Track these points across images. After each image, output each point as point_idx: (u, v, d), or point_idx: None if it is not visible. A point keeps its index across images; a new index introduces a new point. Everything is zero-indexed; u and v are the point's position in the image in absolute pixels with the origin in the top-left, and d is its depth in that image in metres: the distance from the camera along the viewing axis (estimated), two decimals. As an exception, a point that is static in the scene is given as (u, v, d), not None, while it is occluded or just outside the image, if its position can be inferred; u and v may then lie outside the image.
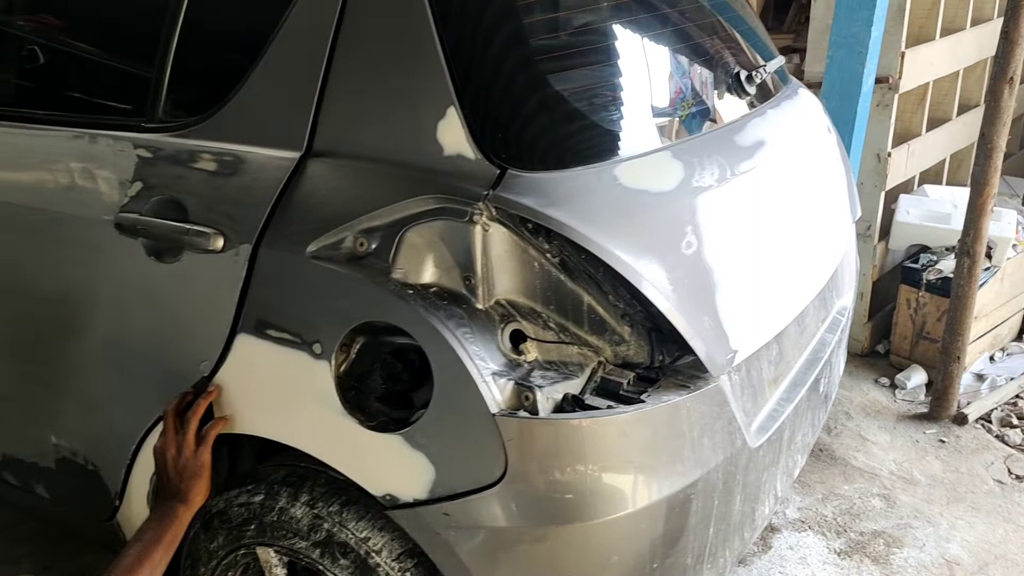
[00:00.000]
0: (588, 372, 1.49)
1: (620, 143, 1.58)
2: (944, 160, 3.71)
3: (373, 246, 1.45)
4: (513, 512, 1.40)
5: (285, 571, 1.68)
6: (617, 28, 1.66)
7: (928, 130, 3.52)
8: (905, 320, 3.34)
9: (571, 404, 1.44)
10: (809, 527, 2.57)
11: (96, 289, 1.69)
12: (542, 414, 1.39)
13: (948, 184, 3.78)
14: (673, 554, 1.52)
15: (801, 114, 2.10)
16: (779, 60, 2.10)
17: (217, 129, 1.59)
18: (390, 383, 1.48)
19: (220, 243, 1.53)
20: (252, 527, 1.64)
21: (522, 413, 1.39)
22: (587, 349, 1.49)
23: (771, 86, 2.08)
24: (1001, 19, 2.68)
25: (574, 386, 1.46)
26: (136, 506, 1.80)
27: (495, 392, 1.39)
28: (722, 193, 1.63)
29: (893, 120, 3.18)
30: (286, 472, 1.65)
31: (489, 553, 1.43)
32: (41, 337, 1.79)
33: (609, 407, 1.43)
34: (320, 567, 1.59)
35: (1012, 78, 2.72)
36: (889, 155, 3.22)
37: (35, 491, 2.01)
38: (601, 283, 1.47)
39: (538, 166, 1.45)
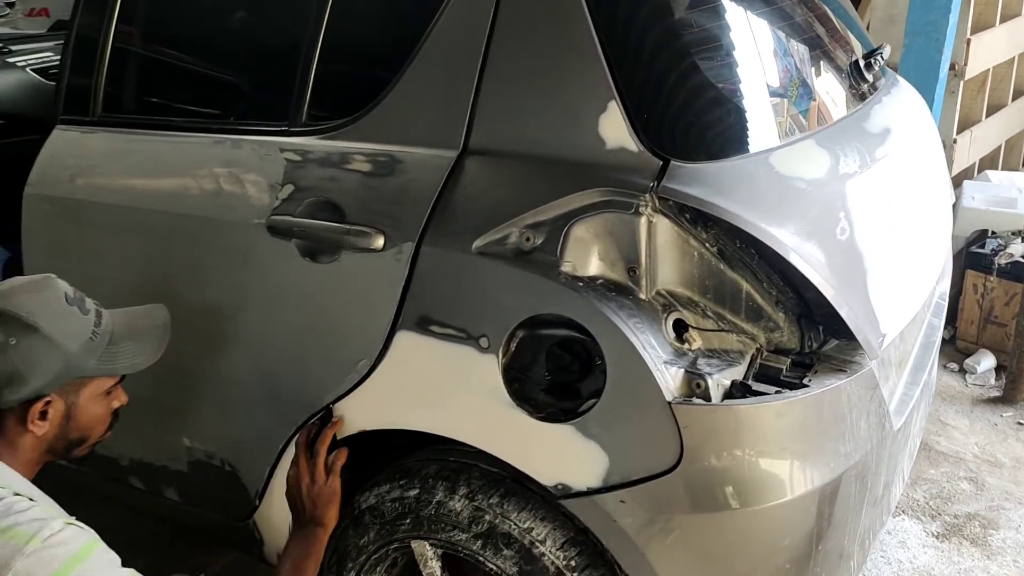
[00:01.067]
0: (748, 359, 1.51)
1: (772, 132, 1.60)
2: (1000, 146, 3.74)
3: (539, 240, 1.47)
4: (689, 497, 1.43)
5: (439, 563, 1.71)
6: (764, 23, 1.68)
7: (987, 116, 3.55)
8: (972, 305, 3.37)
9: (739, 390, 1.46)
10: (903, 512, 2.60)
11: (245, 292, 1.71)
12: (715, 400, 1.42)
13: (1003, 169, 3.81)
14: (835, 536, 1.55)
15: (908, 102, 2.13)
16: (887, 48, 2.13)
17: (369, 130, 1.61)
18: (556, 374, 1.51)
19: (381, 242, 1.55)
20: (407, 521, 1.66)
21: (696, 400, 1.41)
22: (744, 336, 1.52)
23: (881, 74, 2.11)
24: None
25: (738, 372, 1.48)
26: (277, 505, 1.82)
27: (668, 380, 1.41)
28: (864, 179, 1.66)
29: (958, 107, 3.21)
30: (438, 466, 1.67)
31: (665, 538, 1.45)
32: (182, 343, 1.80)
33: (777, 392, 1.46)
34: (480, 558, 1.61)
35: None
36: (955, 141, 3.26)
37: (164, 494, 2.03)
38: (756, 271, 1.50)
39: (700, 156, 1.48)
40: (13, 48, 3.09)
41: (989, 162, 3.79)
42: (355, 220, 1.59)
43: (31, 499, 1.37)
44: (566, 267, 1.46)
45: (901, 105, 2.04)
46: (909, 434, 1.88)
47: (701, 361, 1.47)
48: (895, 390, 1.81)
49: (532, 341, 1.49)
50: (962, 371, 3.32)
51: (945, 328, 3.50)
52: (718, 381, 1.44)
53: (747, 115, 1.58)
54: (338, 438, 1.69)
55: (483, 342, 1.49)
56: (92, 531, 1.36)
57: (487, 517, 1.59)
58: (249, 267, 1.70)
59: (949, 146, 3.24)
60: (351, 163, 1.62)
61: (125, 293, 1.73)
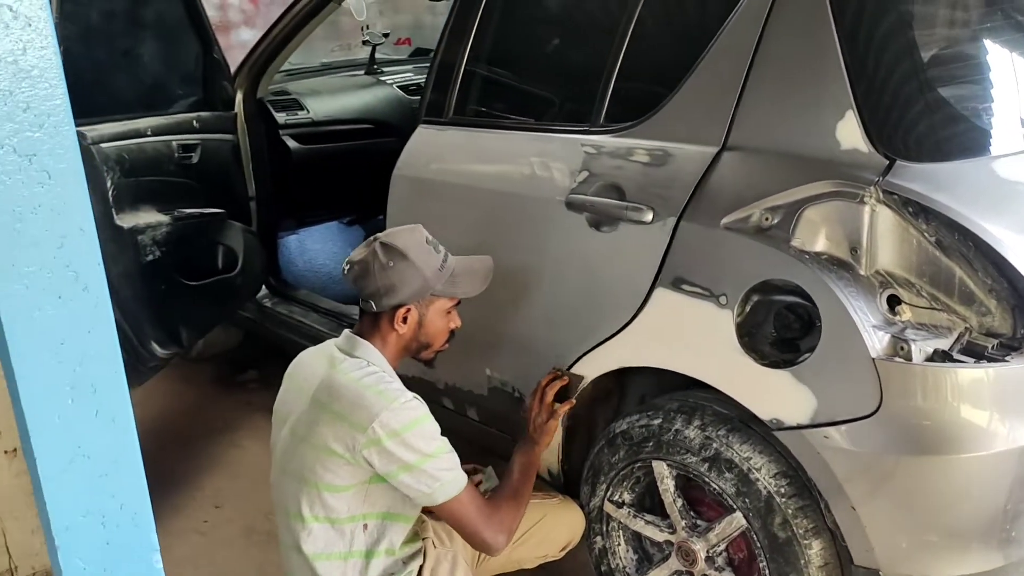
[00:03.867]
0: (956, 335, 1.75)
1: (994, 141, 1.83)
2: None
3: (776, 220, 1.82)
4: (884, 440, 1.70)
5: (673, 483, 2.10)
6: (987, 42, 1.92)
7: None
8: None
9: (940, 357, 1.71)
10: None
11: (546, 253, 2.23)
12: (916, 361, 1.69)
13: None
14: (1020, 502, 1.73)
15: None
16: None
17: (650, 130, 2.06)
18: (781, 331, 1.85)
19: (650, 216, 1.99)
20: (650, 444, 2.07)
21: (898, 359, 1.69)
22: (955, 316, 1.76)
23: None
24: None
25: (943, 344, 1.73)
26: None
27: (875, 341, 1.71)
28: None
29: None
30: (679, 403, 2.07)
31: (860, 472, 1.74)
32: (495, 290, 2.35)
33: (976, 362, 1.69)
34: (706, 480, 1.98)
35: None
36: None
37: (467, 414, 2.60)
38: (972, 260, 1.73)
39: (923, 158, 1.76)
40: (385, 69, 3.93)
41: None
42: (633, 199, 2.04)
43: (392, 377, 1.96)
44: (796, 243, 1.80)
45: None
46: None
47: (909, 331, 1.74)
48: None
49: (762, 301, 1.85)
50: None
51: None
52: (921, 347, 1.70)
53: (969, 125, 1.83)
54: (576, 392, 2.16)
55: (722, 300, 1.87)
56: (427, 405, 1.93)
57: (715, 445, 1.95)
58: (550, 233, 2.21)
59: None
60: (634, 155, 2.08)
61: (461, 247, 2.30)
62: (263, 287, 3.40)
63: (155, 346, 2.72)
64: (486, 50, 2.47)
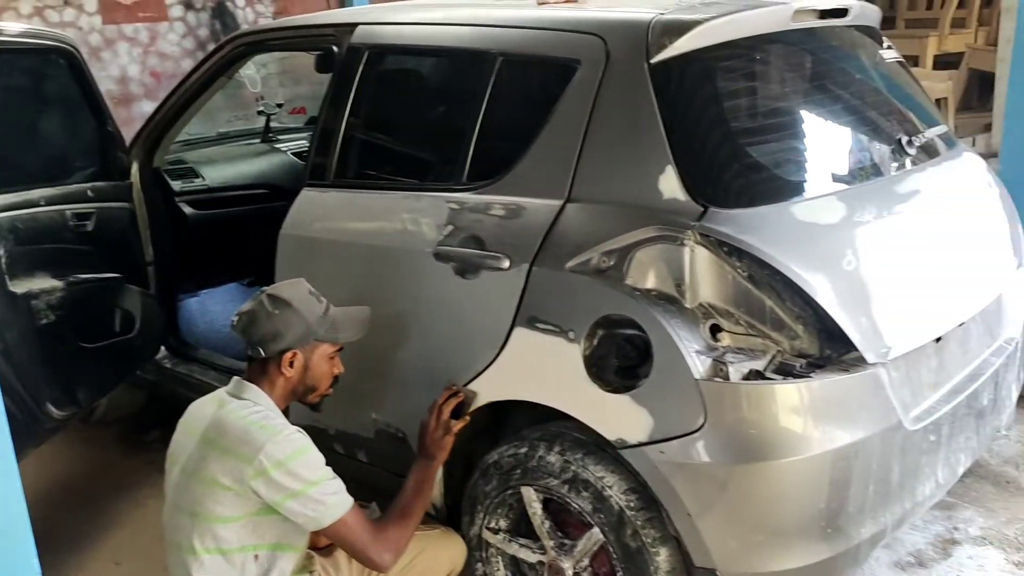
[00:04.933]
0: (769, 356, 2.01)
1: (794, 188, 2.13)
2: None
3: (612, 262, 2.07)
4: (710, 451, 1.94)
5: (541, 506, 2.29)
6: (792, 104, 2.23)
7: None
8: (1102, 371, 3.50)
9: (755, 376, 1.97)
10: (990, 543, 2.84)
11: (418, 300, 2.43)
12: (733, 380, 1.94)
13: None
14: (837, 499, 1.98)
15: (960, 171, 2.54)
16: (939, 128, 2.56)
17: (504, 188, 2.30)
18: (622, 360, 2.08)
19: (507, 264, 2.21)
20: (518, 471, 2.27)
21: (717, 379, 1.94)
22: (769, 341, 2.02)
23: (937, 148, 2.54)
24: None
25: (759, 364, 1.99)
26: (432, 462, 2.47)
27: (698, 364, 1.95)
28: (877, 227, 2.13)
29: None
30: (541, 432, 2.27)
31: (692, 481, 1.97)
32: (373, 340, 2.52)
33: (784, 379, 1.95)
34: (568, 500, 2.18)
35: None
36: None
37: (357, 457, 2.75)
38: (780, 292, 2.00)
39: (732, 205, 2.04)
40: (280, 137, 4.13)
41: None
42: (491, 248, 2.26)
43: (277, 416, 2.12)
44: (629, 282, 2.05)
45: (946, 173, 2.46)
46: (940, 444, 2.24)
47: (729, 355, 1.99)
48: (922, 402, 2.21)
49: (605, 334, 2.08)
50: (1090, 434, 3.44)
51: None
52: (738, 368, 1.96)
53: (772, 176, 2.13)
54: (469, 409, 2.32)
55: (571, 335, 2.10)
56: (309, 437, 2.08)
57: (573, 468, 2.16)
58: (421, 283, 2.41)
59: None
60: (492, 209, 2.31)
61: (343, 299, 2.47)
62: (163, 348, 3.51)
63: (51, 407, 2.79)
64: (363, 117, 2.69)
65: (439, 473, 2.45)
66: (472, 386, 2.32)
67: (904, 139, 2.36)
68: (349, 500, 2.05)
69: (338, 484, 2.05)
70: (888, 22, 6.56)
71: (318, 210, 2.71)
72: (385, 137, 2.72)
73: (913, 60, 5.92)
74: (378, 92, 2.69)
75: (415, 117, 2.71)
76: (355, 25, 2.73)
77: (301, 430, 2.08)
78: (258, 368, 2.18)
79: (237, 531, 2.03)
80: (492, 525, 2.39)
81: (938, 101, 4.90)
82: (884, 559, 2.76)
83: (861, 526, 2.06)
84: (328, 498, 2.01)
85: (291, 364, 2.16)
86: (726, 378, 1.94)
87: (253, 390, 2.14)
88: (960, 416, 2.31)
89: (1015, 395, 2.74)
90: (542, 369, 2.18)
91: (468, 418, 2.34)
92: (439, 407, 2.33)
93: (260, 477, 1.97)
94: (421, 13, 2.68)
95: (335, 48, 2.76)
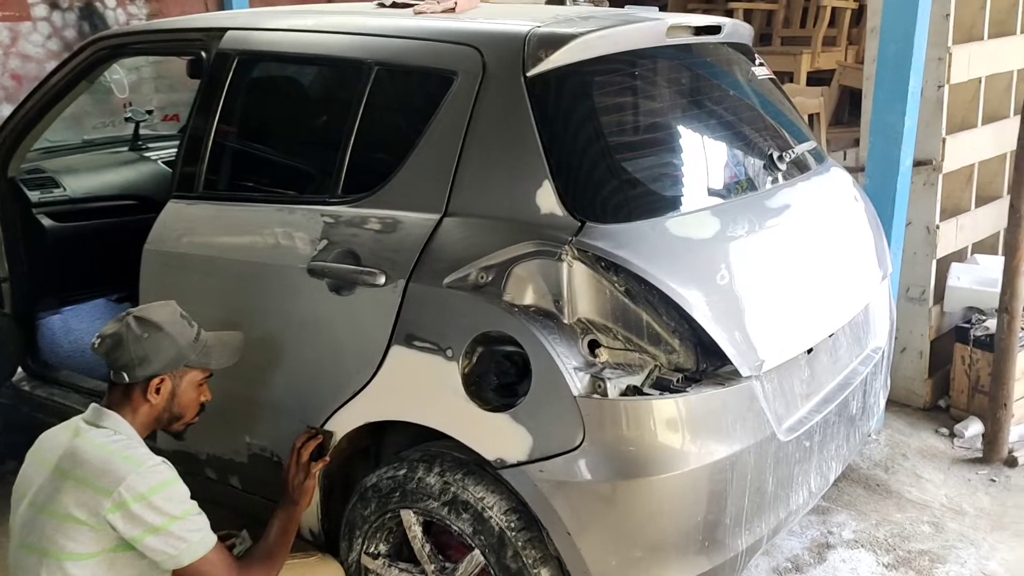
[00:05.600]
0: (647, 372, 2.01)
1: (669, 203, 2.14)
2: (998, 233, 4.07)
3: (490, 278, 2.03)
4: (589, 468, 1.92)
5: (420, 529, 2.22)
6: (668, 119, 2.25)
7: (977, 206, 3.92)
8: (961, 376, 3.69)
9: (632, 392, 1.96)
10: (862, 545, 2.94)
11: (290, 318, 2.33)
12: (610, 397, 1.92)
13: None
14: (714, 512, 2.00)
15: (828, 186, 2.61)
16: (809, 144, 2.63)
17: (381, 201, 2.23)
18: (501, 378, 2.04)
19: (383, 280, 2.14)
20: (397, 494, 2.20)
21: (595, 396, 1.92)
22: (647, 356, 2.02)
23: (807, 163, 2.61)
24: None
25: (636, 380, 1.98)
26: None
27: (576, 381, 1.93)
28: (750, 241, 2.16)
29: (939, 197, 3.62)
30: (421, 454, 2.21)
31: (571, 499, 1.94)
32: (245, 360, 2.41)
33: (660, 394, 1.95)
34: (448, 522, 2.12)
35: (1034, 157, 3.15)
36: (937, 228, 3.65)
37: (230, 483, 2.62)
38: (656, 306, 2.00)
39: (608, 220, 2.02)
40: (150, 145, 3.93)
41: (989, 248, 4.12)
42: (367, 264, 2.19)
43: (140, 445, 1.99)
44: (507, 298, 2.01)
45: (815, 187, 2.53)
46: (812, 453, 2.29)
47: (607, 371, 1.98)
48: (795, 413, 2.25)
49: (485, 352, 2.04)
50: (952, 435, 3.61)
51: (941, 398, 3.84)
52: (616, 384, 1.94)
53: (648, 191, 2.13)
54: (329, 449, 2.25)
55: (448, 352, 2.04)
56: (175, 469, 1.96)
57: (452, 489, 2.10)
58: (296, 300, 2.31)
59: (932, 232, 3.63)
60: (367, 223, 2.23)
61: (212, 318, 2.35)
62: (19, 370, 3.27)
63: None
64: (233, 127, 2.57)
65: (315, 498, 2.36)
66: (349, 407, 2.23)
67: (776, 155, 2.41)
68: (212, 538, 1.94)
69: (202, 521, 1.94)
70: (765, 39, 6.79)
71: (185, 224, 2.57)
72: (256, 148, 2.61)
73: (788, 76, 6.13)
74: (249, 100, 2.58)
75: (288, 127, 2.61)
76: (224, 30, 2.61)
77: (166, 461, 1.95)
78: (120, 394, 2.04)
79: (91, 569, 1.88)
80: (371, 550, 2.31)
81: (811, 116, 5.08)
82: (763, 566, 2.82)
83: (738, 537, 2.07)
84: (191, 535, 1.89)
85: (157, 391, 2.03)
86: (604, 394, 1.92)
87: (113, 418, 2.00)
88: (831, 425, 2.37)
89: (882, 401, 2.84)
90: (420, 388, 2.12)
91: (328, 459, 2.27)
92: (297, 450, 2.25)
93: (119, 511, 1.83)
94: (294, 19, 2.58)
95: (203, 54, 2.63)
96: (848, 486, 3.26)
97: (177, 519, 1.88)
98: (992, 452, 3.38)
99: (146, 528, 1.85)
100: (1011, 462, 3.35)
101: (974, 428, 3.59)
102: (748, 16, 6.62)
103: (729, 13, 6.43)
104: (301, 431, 2.33)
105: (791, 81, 6.10)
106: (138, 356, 2.01)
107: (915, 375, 3.79)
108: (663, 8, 6.95)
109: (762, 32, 6.81)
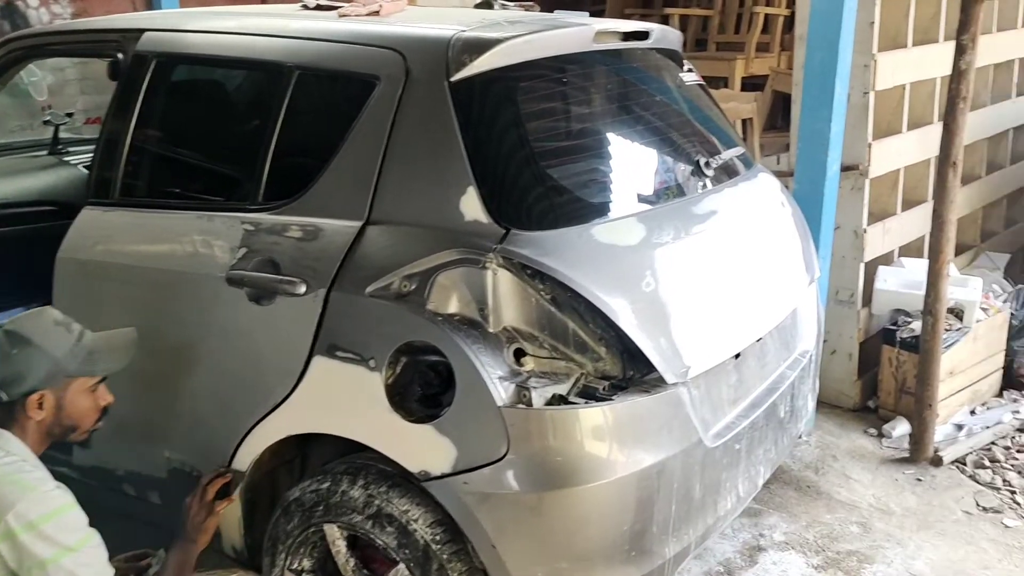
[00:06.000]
0: (573, 380, 1.99)
1: (595, 210, 2.12)
2: (923, 236, 4.16)
3: (413, 287, 1.99)
4: (514, 479, 1.89)
5: (345, 544, 2.17)
6: (595, 125, 2.23)
7: (904, 210, 4.01)
8: (888, 377, 3.76)
9: (558, 401, 1.94)
10: (792, 547, 2.96)
11: (208, 328, 2.26)
12: (535, 407, 1.90)
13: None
14: (641, 520, 1.98)
15: (756, 191, 2.63)
16: (737, 149, 2.65)
17: (302, 208, 2.17)
18: (425, 388, 2.00)
19: (303, 289, 2.09)
20: (321, 508, 2.14)
21: (520, 406, 1.89)
22: (573, 364, 2.00)
23: (735, 168, 2.62)
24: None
25: (562, 389, 1.96)
26: (231, 507, 2.30)
27: (500, 391, 1.90)
28: (676, 248, 2.16)
29: (866, 202, 3.68)
30: (346, 466, 2.16)
31: (496, 511, 1.91)
32: (163, 371, 2.34)
33: (586, 403, 1.93)
34: (372, 536, 2.08)
35: (955, 163, 3.22)
36: (865, 232, 3.71)
37: (149, 499, 2.53)
38: (583, 314, 1.98)
39: (533, 227, 2.00)
40: (71, 149, 3.79)
41: (916, 251, 4.21)
42: (287, 273, 2.13)
43: (34, 466, 1.89)
44: (431, 307, 1.97)
45: (743, 193, 2.54)
46: (740, 458, 2.30)
47: (532, 380, 1.95)
48: (723, 418, 2.26)
49: (409, 362, 2.00)
50: (880, 436, 3.67)
51: (870, 399, 3.90)
52: (541, 393, 1.92)
53: (573, 198, 2.12)
54: (236, 489, 2.20)
55: (372, 363, 2.00)
56: (72, 494, 1.87)
57: (377, 502, 2.06)
58: (214, 310, 2.24)
59: (860, 236, 3.69)
60: (288, 231, 2.17)
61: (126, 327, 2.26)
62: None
63: None
64: (151, 131, 2.49)
65: (238, 512, 2.30)
66: (271, 419, 2.17)
67: (703, 160, 2.41)
68: (109, 572, 1.84)
69: (97, 554, 1.83)
70: (701, 44, 6.86)
71: (101, 231, 2.48)
72: (175, 153, 2.53)
73: (724, 81, 6.20)
74: (167, 104, 2.50)
75: (207, 132, 2.53)
76: (142, 31, 2.53)
77: (61, 486, 1.86)
78: (4, 412, 1.94)
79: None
80: (294, 566, 2.25)
81: (744, 121, 5.14)
82: (696, 570, 2.83)
83: (665, 545, 2.07)
84: (83, 570, 1.78)
85: (40, 406, 1.93)
86: (529, 404, 1.90)
87: (4, 436, 1.90)
88: (759, 429, 2.38)
89: (811, 404, 2.87)
90: (342, 400, 2.07)
91: (233, 498, 2.21)
92: (203, 487, 2.18)
93: (6, 540, 1.74)
94: (214, 21, 2.51)
95: (120, 55, 2.55)
96: (779, 488, 3.29)
97: (70, 551, 1.77)
98: (919, 452, 3.45)
99: (34, 560, 1.75)
100: (936, 461, 3.42)
101: (901, 428, 3.66)
102: (684, 22, 6.68)
103: (666, 19, 6.48)
104: (222, 445, 2.27)
105: (726, 86, 6.16)
106: (11, 374, 1.91)
107: (845, 377, 3.84)
108: (601, 14, 6.99)
109: (698, 38, 6.88)
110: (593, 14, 3.34)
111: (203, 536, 2.15)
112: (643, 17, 6.48)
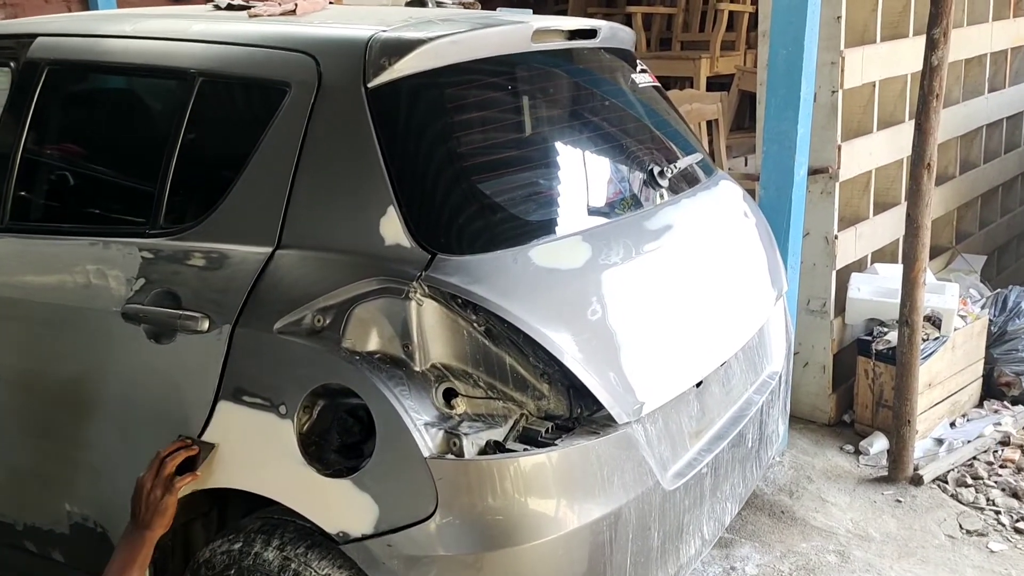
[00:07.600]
0: (511, 422, 1.76)
1: (534, 229, 1.89)
2: (897, 240, 3.97)
3: (328, 321, 1.75)
4: (444, 541, 1.66)
5: (262, 612, 1.92)
6: (535, 135, 2.00)
7: (876, 214, 3.81)
8: (865, 390, 3.56)
9: (494, 449, 1.71)
10: (766, 582, 2.75)
11: (104, 370, 2.00)
12: (467, 457, 1.66)
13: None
14: (591, 578, 1.76)
15: (716, 201, 2.41)
16: (696, 155, 2.43)
17: (206, 233, 1.93)
18: (344, 436, 1.76)
19: (206, 325, 1.84)
20: (232, 571, 1.89)
21: (449, 456, 1.66)
22: (511, 403, 1.77)
23: (695, 176, 2.41)
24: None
25: (498, 434, 1.73)
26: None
27: (427, 439, 1.67)
28: (627, 269, 1.93)
29: (836, 206, 3.49)
30: (262, 522, 1.91)
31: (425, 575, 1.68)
32: (57, 416, 2.08)
33: (525, 450, 1.70)
34: (289, 603, 1.83)
35: (929, 164, 3.03)
36: (836, 238, 3.51)
37: (52, 557, 2.27)
38: (522, 347, 1.76)
39: (463, 250, 1.77)
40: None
41: (889, 256, 4.02)
42: (188, 307, 1.88)
43: None
44: (347, 344, 1.73)
45: (702, 204, 2.32)
46: (704, 496, 2.08)
47: (464, 424, 1.72)
48: (683, 455, 2.04)
49: (325, 407, 1.76)
50: (857, 452, 3.47)
51: (845, 413, 3.70)
52: (473, 440, 1.69)
53: (508, 216, 1.88)
54: (202, 463, 1.87)
55: (282, 409, 1.76)
56: None
57: (293, 566, 1.81)
58: (111, 348, 1.99)
59: (831, 242, 3.50)
60: (190, 259, 1.93)
61: (13, 369, 2.01)
62: None
63: None
64: (41, 148, 2.24)
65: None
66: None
67: (658, 169, 2.19)
68: None
69: None
70: (665, 43, 6.67)
71: (-12, 260, 2.22)
72: (68, 172, 2.27)
73: (688, 81, 6.02)
74: (60, 117, 2.25)
75: (102, 148, 2.27)
76: (34, 36, 2.27)
77: None
78: None
79: None
80: (208, 636, 2.00)
81: (710, 123, 4.95)
82: (662, 612, 2.60)
83: (619, 604, 1.84)
84: None
85: None
86: (459, 454, 1.67)
87: None
88: (724, 464, 2.16)
89: (783, 428, 2.67)
90: (251, 451, 1.82)
91: (198, 474, 1.85)
92: (161, 459, 1.84)
93: None
94: (112, 24, 2.26)
95: (12, 63, 2.29)
96: (752, 515, 3.07)
97: None
98: (897, 470, 3.25)
99: None
100: (916, 480, 3.22)
101: (879, 444, 3.46)
102: (648, 20, 6.49)
103: (628, 17, 6.29)
104: (126, 496, 2.01)
105: (691, 86, 5.98)
106: None
107: (819, 390, 3.64)
108: (564, 13, 6.78)
109: (662, 36, 6.69)
110: (557, 13, 3.12)
111: (159, 519, 1.82)
112: (606, 16, 6.27)
